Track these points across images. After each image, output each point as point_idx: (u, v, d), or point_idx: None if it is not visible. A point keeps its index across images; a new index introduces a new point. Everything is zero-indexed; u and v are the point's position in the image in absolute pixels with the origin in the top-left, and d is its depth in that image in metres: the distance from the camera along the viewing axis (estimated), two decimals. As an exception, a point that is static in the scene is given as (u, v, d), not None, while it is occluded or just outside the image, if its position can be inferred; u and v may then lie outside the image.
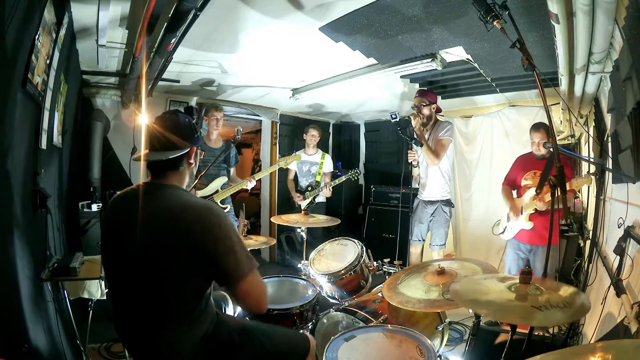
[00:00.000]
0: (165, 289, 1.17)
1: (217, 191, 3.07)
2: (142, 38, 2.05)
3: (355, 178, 3.90)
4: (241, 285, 1.16)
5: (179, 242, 1.13)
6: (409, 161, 2.96)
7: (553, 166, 2.70)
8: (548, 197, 2.53)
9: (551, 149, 2.70)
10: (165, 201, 1.21)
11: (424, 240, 3.18)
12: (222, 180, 3.14)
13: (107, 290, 2.19)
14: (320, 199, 3.98)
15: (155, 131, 1.27)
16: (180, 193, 1.25)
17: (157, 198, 1.22)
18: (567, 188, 2.42)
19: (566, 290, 1.23)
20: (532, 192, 2.68)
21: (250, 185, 3.17)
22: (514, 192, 2.90)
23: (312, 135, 3.95)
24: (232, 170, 3.37)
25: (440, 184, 3.07)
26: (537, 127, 2.72)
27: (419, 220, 3.12)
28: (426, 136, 2.99)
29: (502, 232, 2.91)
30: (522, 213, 2.72)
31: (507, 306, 1.18)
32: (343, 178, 3.79)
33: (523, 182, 2.82)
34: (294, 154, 3.65)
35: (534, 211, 2.65)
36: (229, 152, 3.24)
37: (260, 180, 4.91)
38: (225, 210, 3.10)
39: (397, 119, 2.72)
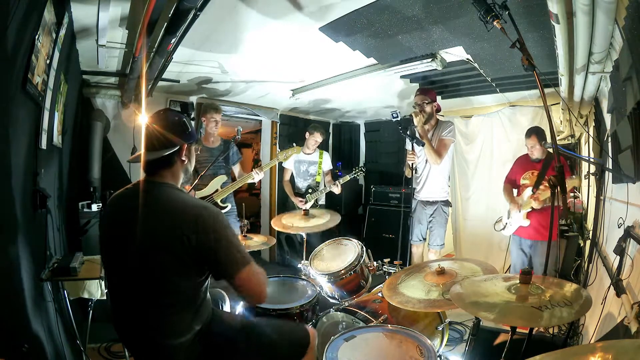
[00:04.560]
0: (162, 285, 1.19)
1: (216, 190, 3.04)
2: (142, 38, 2.05)
3: (361, 175, 3.67)
4: (238, 279, 1.20)
5: (176, 241, 1.15)
6: (409, 163, 2.90)
7: (549, 167, 2.78)
8: (543, 196, 2.64)
9: (550, 149, 2.73)
10: (163, 200, 1.23)
11: (424, 239, 3.19)
12: (222, 179, 3.10)
13: (106, 290, 2.19)
14: (322, 201, 3.76)
15: (147, 130, 1.29)
16: (177, 193, 1.28)
17: (154, 197, 1.24)
18: None
19: (567, 287, 1.23)
20: (529, 191, 2.81)
21: (257, 177, 3.08)
22: (515, 191, 3.04)
23: (315, 142, 3.70)
24: (237, 166, 3.29)
25: (440, 184, 3.07)
26: (528, 133, 2.88)
27: (419, 220, 3.12)
28: (429, 135, 2.98)
29: (503, 228, 3.05)
30: (520, 211, 2.86)
31: (509, 308, 1.18)
32: (347, 177, 3.58)
33: (522, 182, 2.95)
34: (293, 146, 3.42)
35: (530, 209, 2.80)
36: (228, 152, 3.19)
37: (260, 180, 4.88)
38: (227, 209, 3.07)
39: (399, 118, 2.71)
